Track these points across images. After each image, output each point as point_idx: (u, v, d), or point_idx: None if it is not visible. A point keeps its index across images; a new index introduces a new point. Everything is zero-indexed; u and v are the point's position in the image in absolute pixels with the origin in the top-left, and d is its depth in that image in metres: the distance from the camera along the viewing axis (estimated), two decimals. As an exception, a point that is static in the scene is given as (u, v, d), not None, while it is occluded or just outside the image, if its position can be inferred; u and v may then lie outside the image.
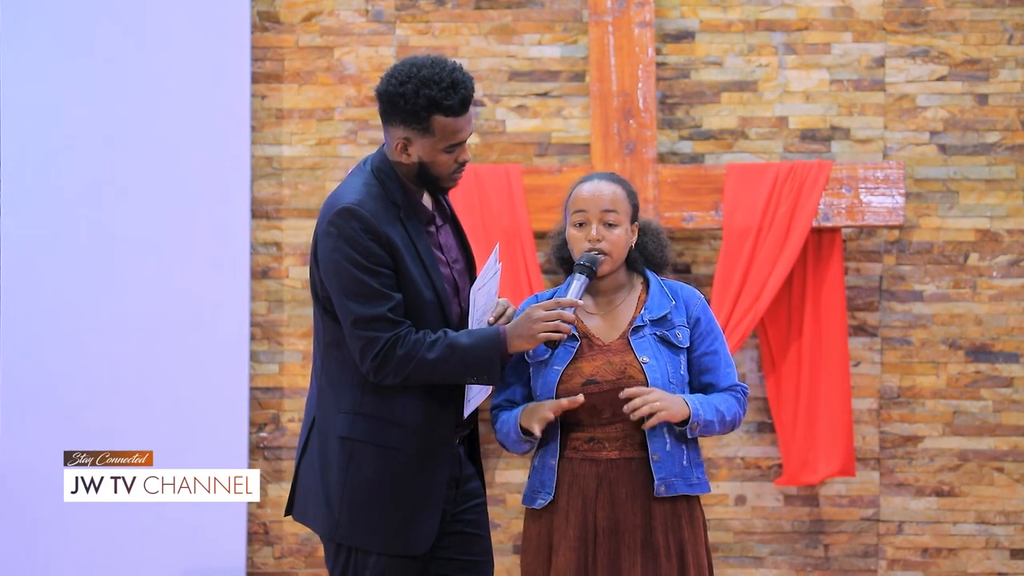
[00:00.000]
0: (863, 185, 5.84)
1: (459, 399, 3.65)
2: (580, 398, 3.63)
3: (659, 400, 3.61)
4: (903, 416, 6.02)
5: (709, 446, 6.01)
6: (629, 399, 3.62)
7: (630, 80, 5.89)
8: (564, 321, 3.57)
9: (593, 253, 3.70)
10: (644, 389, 3.62)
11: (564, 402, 3.64)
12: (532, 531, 3.75)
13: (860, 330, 6.01)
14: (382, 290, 3.53)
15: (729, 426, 3.75)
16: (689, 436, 3.67)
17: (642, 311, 3.75)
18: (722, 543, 6.02)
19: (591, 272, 3.68)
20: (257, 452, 6.09)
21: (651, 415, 3.60)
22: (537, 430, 3.64)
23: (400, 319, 3.54)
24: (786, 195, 5.84)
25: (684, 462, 3.70)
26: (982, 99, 6.01)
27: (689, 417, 3.65)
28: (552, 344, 3.61)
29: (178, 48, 5.97)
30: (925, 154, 6.01)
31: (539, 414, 3.65)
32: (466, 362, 3.54)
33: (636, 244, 3.81)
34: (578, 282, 3.67)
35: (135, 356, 5.93)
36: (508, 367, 3.81)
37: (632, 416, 3.61)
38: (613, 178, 3.80)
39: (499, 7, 6.10)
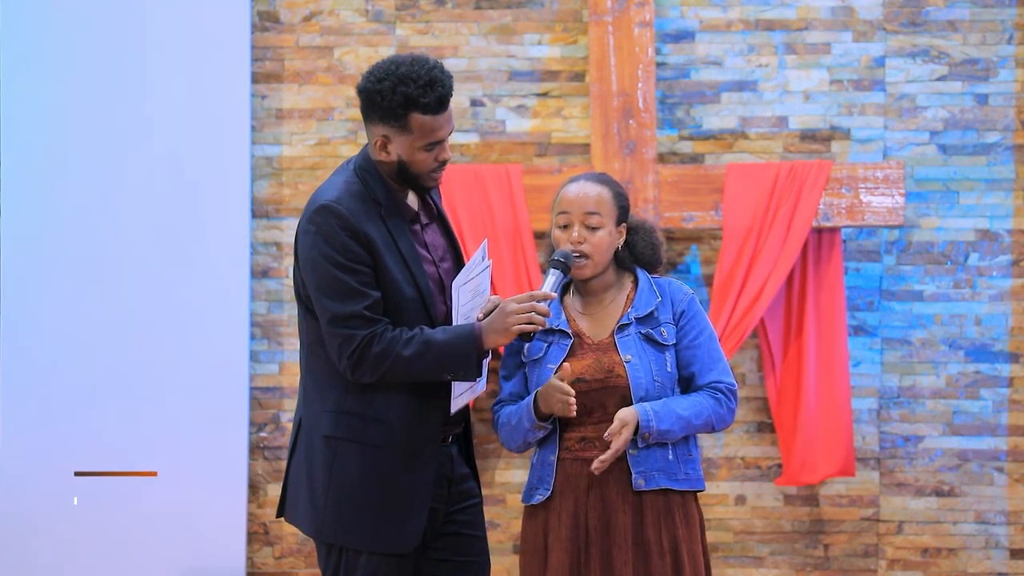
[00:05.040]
0: (863, 185, 5.84)
1: (445, 396, 3.64)
2: (567, 368, 3.63)
3: (629, 433, 3.61)
4: (903, 416, 6.02)
5: (709, 446, 6.02)
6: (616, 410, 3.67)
7: (630, 80, 5.89)
8: (538, 313, 3.57)
9: (570, 250, 3.71)
10: (616, 431, 3.61)
11: (565, 373, 3.63)
12: (528, 530, 3.76)
13: (860, 330, 6.01)
14: (359, 288, 3.53)
15: (704, 428, 3.71)
16: (640, 445, 3.66)
17: (629, 309, 3.75)
18: (722, 543, 6.02)
19: (565, 267, 3.69)
20: (257, 452, 6.10)
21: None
22: (571, 410, 3.61)
23: (377, 317, 3.54)
24: (786, 195, 5.84)
25: (669, 457, 3.69)
26: (982, 99, 6.01)
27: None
28: (527, 336, 3.62)
29: (178, 48, 5.97)
30: (925, 154, 6.01)
31: (556, 396, 3.61)
32: (442, 358, 3.54)
33: (626, 243, 3.81)
34: (553, 276, 3.68)
35: (135, 356, 5.93)
36: (510, 364, 3.82)
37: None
38: (600, 179, 3.79)
39: (499, 7, 6.10)
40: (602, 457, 3.61)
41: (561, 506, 3.69)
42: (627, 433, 3.61)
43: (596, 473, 3.60)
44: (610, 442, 3.61)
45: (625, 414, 3.62)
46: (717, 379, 3.74)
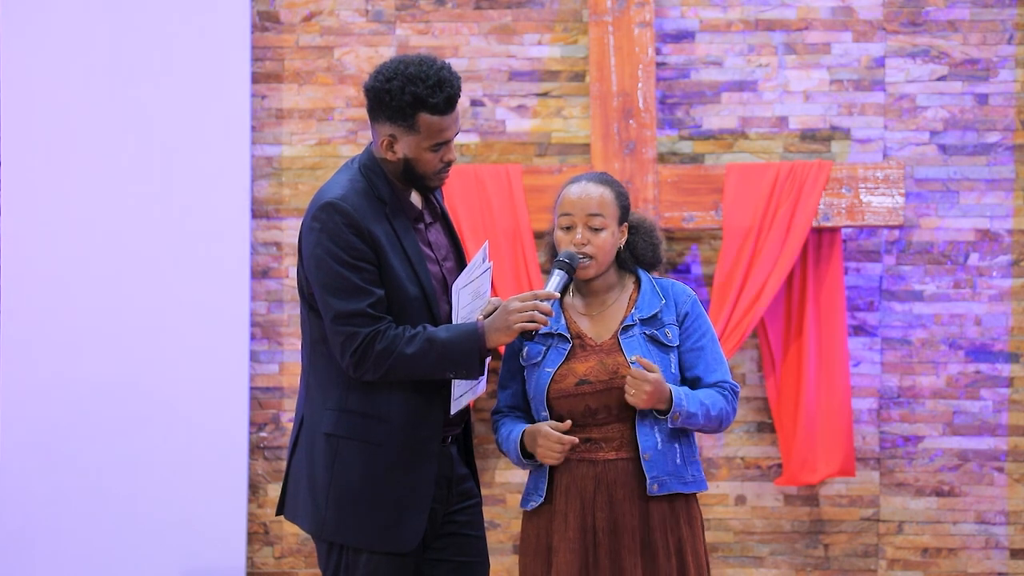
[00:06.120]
0: (863, 185, 5.84)
1: (446, 394, 3.64)
2: (567, 424, 3.65)
3: (651, 388, 3.60)
4: (903, 416, 6.02)
5: (709, 446, 6.02)
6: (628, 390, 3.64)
7: (630, 80, 5.89)
8: (541, 312, 3.57)
9: (575, 251, 3.71)
10: (643, 374, 3.60)
11: (560, 429, 3.65)
12: (530, 532, 3.75)
13: (860, 330, 6.01)
14: (363, 285, 3.53)
15: (716, 421, 3.70)
16: (670, 425, 3.65)
17: (632, 310, 3.75)
18: (722, 543, 6.02)
19: (570, 268, 3.69)
20: (257, 452, 6.10)
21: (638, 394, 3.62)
22: (559, 460, 3.66)
23: (380, 315, 3.54)
24: (786, 195, 5.84)
25: (678, 460, 3.69)
26: (982, 99, 6.01)
27: (671, 406, 3.63)
28: (529, 335, 3.61)
29: (178, 48, 5.97)
30: (925, 154, 6.02)
31: (548, 444, 3.64)
32: (445, 356, 3.54)
33: (626, 243, 3.81)
34: (557, 277, 3.67)
35: (135, 356, 5.93)
36: (505, 371, 3.82)
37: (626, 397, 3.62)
38: (602, 179, 3.78)
39: (499, 7, 6.10)
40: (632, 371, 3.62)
41: (567, 507, 3.68)
42: (652, 380, 3.58)
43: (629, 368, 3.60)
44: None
45: (663, 385, 3.61)
46: (722, 379, 3.76)
